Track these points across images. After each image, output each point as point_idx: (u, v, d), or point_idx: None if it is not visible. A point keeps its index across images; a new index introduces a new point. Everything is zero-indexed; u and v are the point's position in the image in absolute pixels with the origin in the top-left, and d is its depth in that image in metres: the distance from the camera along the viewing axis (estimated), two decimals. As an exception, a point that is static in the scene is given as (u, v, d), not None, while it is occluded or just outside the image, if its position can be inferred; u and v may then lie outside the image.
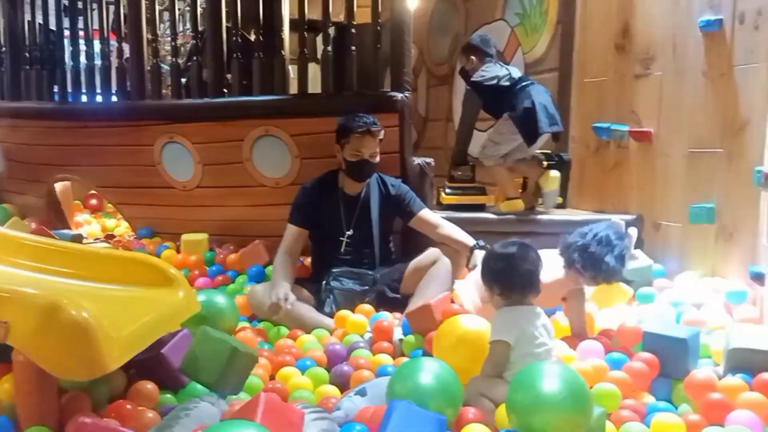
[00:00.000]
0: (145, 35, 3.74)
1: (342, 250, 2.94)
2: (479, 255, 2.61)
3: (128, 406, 1.83)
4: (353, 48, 3.38)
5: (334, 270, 2.87)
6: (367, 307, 2.70)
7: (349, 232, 2.93)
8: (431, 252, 2.87)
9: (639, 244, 3.15)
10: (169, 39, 3.95)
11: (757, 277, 2.44)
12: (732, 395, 1.87)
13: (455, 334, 2.09)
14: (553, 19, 3.96)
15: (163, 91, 3.99)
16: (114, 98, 4.01)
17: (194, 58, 3.81)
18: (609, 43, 3.39)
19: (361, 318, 2.59)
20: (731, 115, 2.78)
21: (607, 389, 1.92)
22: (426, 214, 2.98)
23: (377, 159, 2.95)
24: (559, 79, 3.74)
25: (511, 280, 1.94)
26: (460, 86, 4.71)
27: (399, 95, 3.23)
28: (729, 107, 2.79)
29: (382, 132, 2.96)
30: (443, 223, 2.96)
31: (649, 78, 3.17)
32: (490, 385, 1.87)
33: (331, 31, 3.52)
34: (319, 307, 2.81)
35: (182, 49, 4.92)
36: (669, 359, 2.06)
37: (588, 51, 3.55)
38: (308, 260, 3.21)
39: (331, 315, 2.74)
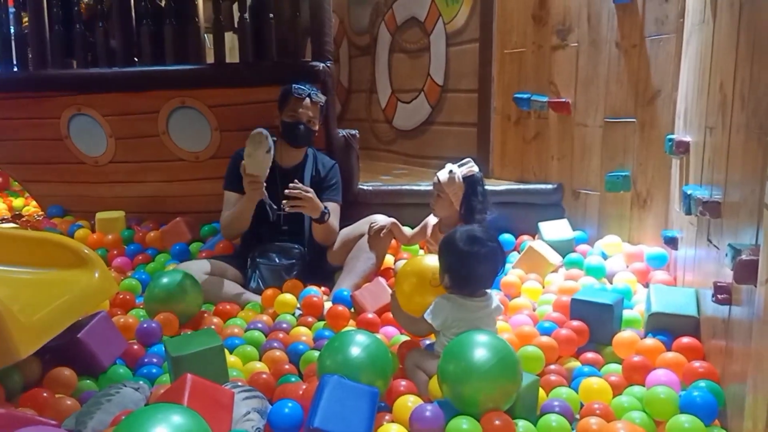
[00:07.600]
0: (45, -1, 3.49)
1: (279, 222, 2.84)
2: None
3: (44, 394, 1.77)
4: (271, 16, 3.28)
5: (260, 245, 2.80)
6: (295, 283, 2.66)
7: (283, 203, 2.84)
8: (361, 223, 2.86)
9: (561, 213, 3.25)
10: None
11: (671, 241, 2.55)
12: (652, 356, 1.95)
13: (415, 274, 2.05)
14: (472, -11, 3.96)
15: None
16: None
17: (99, 24, 3.59)
18: (527, 14, 3.42)
19: (289, 297, 2.53)
20: (643, 84, 2.88)
21: (531, 352, 1.97)
22: (329, 206, 2.82)
23: (315, 127, 2.88)
24: (480, 49, 3.75)
25: (458, 275, 1.90)
26: (382, 57, 4.69)
27: (321, 65, 3.15)
28: (641, 77, 2.89)
29: (324, 99, 2.92)
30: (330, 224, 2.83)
31: (566, 49, 3.23)
32: (424, 358, 1.89)
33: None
34: (245, 283, 2.75)
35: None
36: (596, 325, 2.13)
37: (507, 22, 3.57)
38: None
39: (257, 291, 2.68)
